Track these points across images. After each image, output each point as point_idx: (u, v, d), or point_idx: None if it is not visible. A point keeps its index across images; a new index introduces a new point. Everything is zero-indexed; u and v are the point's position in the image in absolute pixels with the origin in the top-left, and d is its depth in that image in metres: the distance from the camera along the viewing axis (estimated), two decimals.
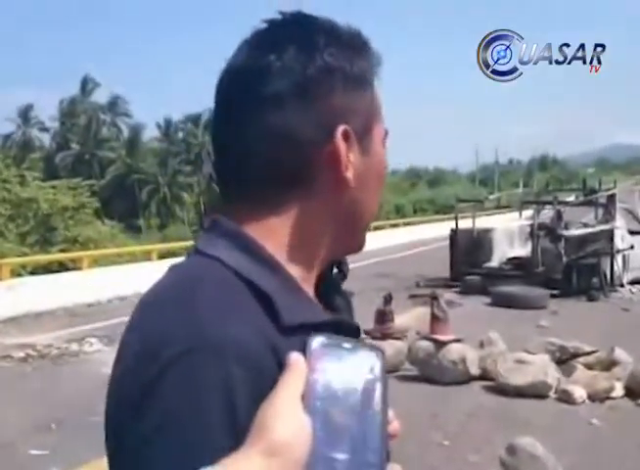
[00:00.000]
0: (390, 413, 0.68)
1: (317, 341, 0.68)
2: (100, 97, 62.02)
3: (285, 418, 0.61)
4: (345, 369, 0.67)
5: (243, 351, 0.68)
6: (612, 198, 14.96)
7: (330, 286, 0.93)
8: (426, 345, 7.56)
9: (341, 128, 0.81)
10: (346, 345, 0.69)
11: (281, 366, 0.69)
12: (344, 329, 0.78)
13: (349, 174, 0.82)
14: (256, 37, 0.86)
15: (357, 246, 0.93)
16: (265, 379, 0.68)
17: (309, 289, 0.85)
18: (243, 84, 0.83)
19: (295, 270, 0.82)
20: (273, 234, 0.82)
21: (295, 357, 0.66)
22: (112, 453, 0.74)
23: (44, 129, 61.63)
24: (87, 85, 60.82)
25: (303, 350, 0.68)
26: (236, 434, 0.64)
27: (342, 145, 0.81)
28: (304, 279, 0.84)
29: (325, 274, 0.91)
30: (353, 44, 0.86)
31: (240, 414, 0.66)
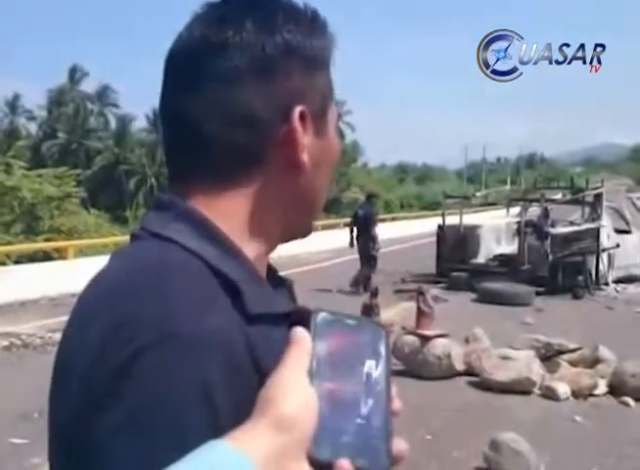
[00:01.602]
0: (393, 391, 0.67)
1: (321, 317, 0.67)
2: (88, 86, 61.73)
3: (292, 393, 0.60)
4: (350, 346, 0.67)
5: (221, 342, 0.66)
6: (598, 197, 15.03)
7: (272, 271, 0.91)
8: (411, 340, 7.57)
9: (297, 109, 0.79)
10: (350, 321, 0.69)
11: (252, 357, 0.68)
12: (304, 319, 0.74)
13: (305, 157, 0.80)
14: (211, 10, 0.83)
15: (308, 231, 0.92)
16: (241, 371, 0.67)
17: (263, 273, 0.84)
18: (199, 59, 0.80)
19: (250, 253, 0.80)
20: (228, 216, 0.80)
21: (300, 333, 0.65)
22: (66, 451, 0.68)
23: (31, 118, 61.33)
24: (75, 74, 60.49)
25: (270, 341, 0.69)
26: (212, 424, 0.62)
27: (298, 126, 0.79)
28: (258, 263, 0.82)
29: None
30: (311, 22, 0.83)
31: (216, 405, 0.64)
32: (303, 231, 0.91)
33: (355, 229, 13.93)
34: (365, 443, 0.62)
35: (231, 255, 0.76)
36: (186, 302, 0.67)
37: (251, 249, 0.80)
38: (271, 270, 0.91)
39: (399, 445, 0.64)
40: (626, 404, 6.57)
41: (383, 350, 0.68)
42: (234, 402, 0.64)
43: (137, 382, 0.63)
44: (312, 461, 0.59)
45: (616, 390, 6.84)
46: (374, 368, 0.66)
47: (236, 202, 0.80)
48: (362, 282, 13.27)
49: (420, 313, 7.88)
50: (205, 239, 0.76)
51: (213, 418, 0.62)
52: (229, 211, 0.80)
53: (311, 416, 0.60)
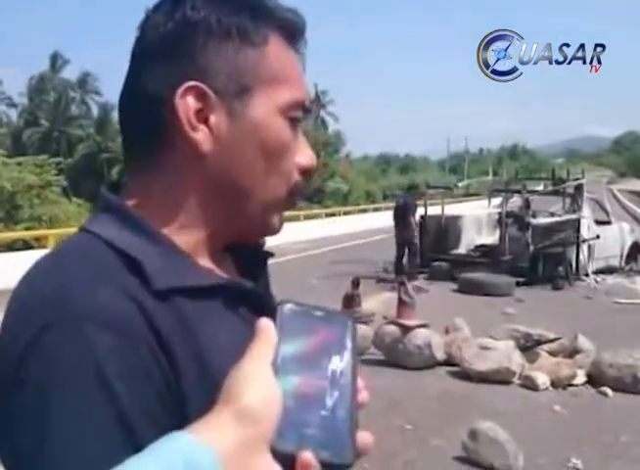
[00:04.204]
0: (360, 383, 0.66)
1: (288, 308, 0.67)
2: (70, 74, 61.18)
3: (255, 385, 0.59)
4: (316, 338, 0.66)
5: (109, 315, 0.66)
6: (579, 188, 15.11)
7: (246, 255, 0.90)
8: (392, 329, 7.58)
9: (185, 85, 0.76)
10: (317, 313, 0.68)
11: (155, 331, 0.67)
12: (234, 292, 0.77)
13: (199, 136, 0.77)
14: None
15: (260, 227, 0.86)
16: (137, 343, 0.66)
17: (205, 260, 0.82)
18: (134, 45, 0.81)
19: (182, 240, 0.78)
20: (149, 202, 0.79)
21: (264, 324, 0.64)
22: None
23: (12, 105, 60.62)
24: (57, 62, 59.88)
25: (181, 315, 0.70)
26: (112, 400, 0.63)
27: (182, 102, 0.76)
28: (195, 250, 0.80)
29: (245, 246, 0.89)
30: (237, 1, 0.79)
31: (111, 380, 0.64)
32: (255, 227, 0.85)
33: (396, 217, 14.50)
34: (329, 435, 0.61)
35: (148, 239, 0.75)
36: (73, 282, 0.68)
37: (181, 237, 0.79)
38: (253, 254, 0.91)
39: (364, 437, 0.64)
40: (604, 394, 6.62)
41: (349, 341, 0.68)
42: (129, 370, 0.65)
43: (30, 376, 0.65)
44: (275, 453, 0.59)
45: (594, 380, 6.89)
46: (340, 360, 0.65)
47: (154, 189, 0.80)
48: (410, 269, 13.74)
49: (401, 303, 7.90)
50: (122, 226, 0.75)
51: (113, 397, 0.63)
52: (149, 198, 0.79)
53: (275, 408, 0.59)
